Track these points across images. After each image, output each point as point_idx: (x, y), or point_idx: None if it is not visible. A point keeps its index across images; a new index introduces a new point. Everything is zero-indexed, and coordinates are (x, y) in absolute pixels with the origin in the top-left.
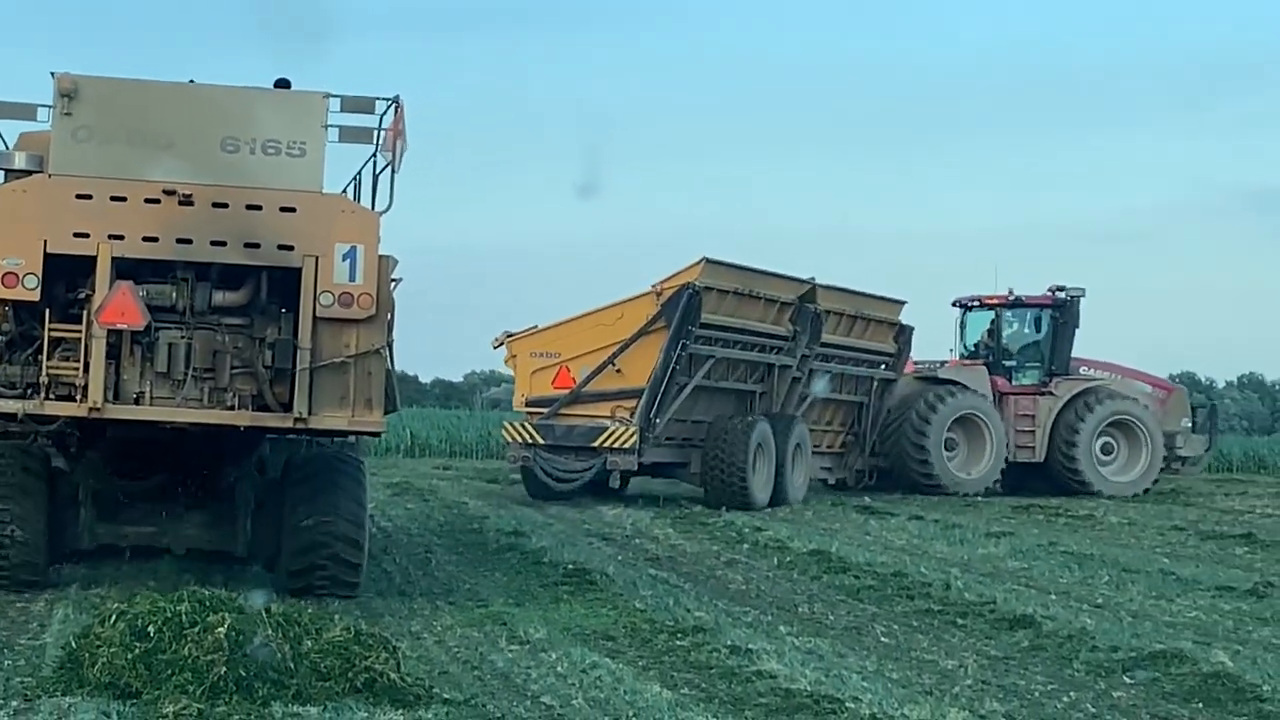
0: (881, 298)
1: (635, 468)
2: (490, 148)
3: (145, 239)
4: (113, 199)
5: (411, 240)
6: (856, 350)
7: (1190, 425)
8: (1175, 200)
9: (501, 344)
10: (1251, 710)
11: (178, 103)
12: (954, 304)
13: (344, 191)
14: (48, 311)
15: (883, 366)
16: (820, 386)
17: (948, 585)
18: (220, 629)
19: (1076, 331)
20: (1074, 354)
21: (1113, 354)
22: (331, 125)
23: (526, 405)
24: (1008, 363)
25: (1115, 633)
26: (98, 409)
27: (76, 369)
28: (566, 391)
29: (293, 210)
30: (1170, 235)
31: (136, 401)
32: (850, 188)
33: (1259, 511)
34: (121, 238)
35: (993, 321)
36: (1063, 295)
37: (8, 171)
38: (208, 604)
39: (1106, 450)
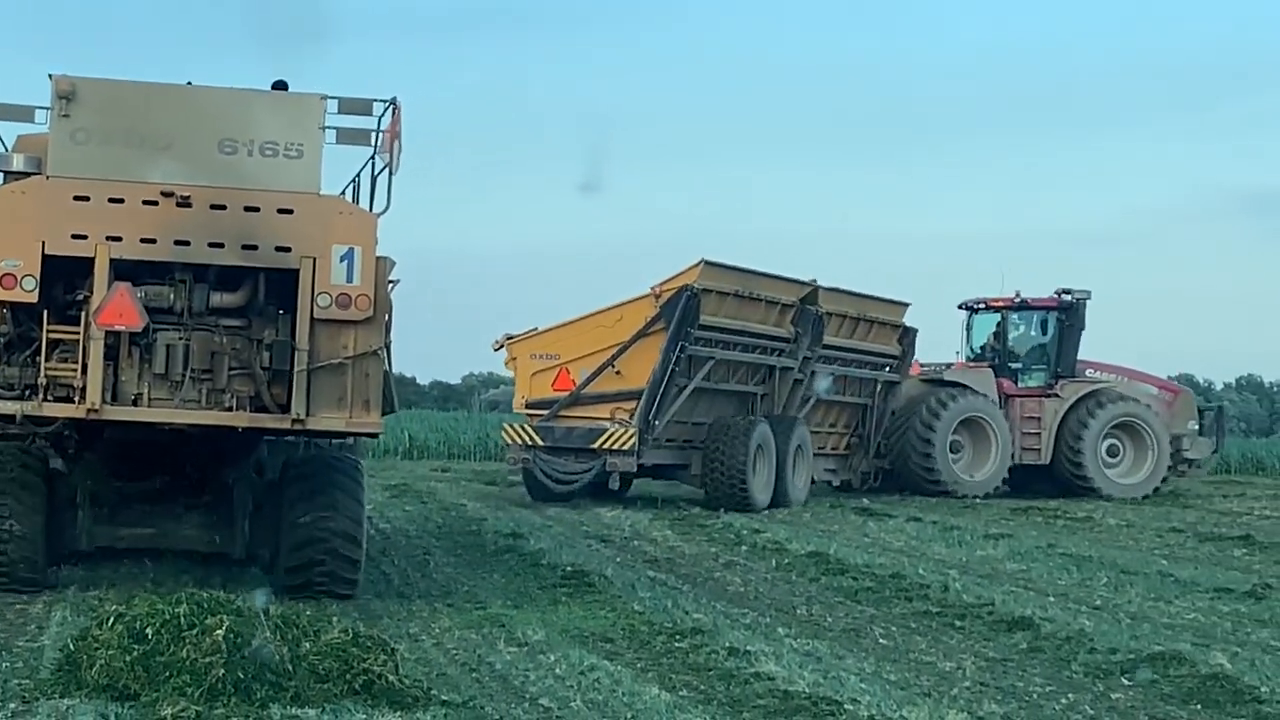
0: (885, 300)
1: (635, 469)
2: (490, 148)
3: (143, 240)
4: (111, 201)
5: (410, 241)
6: (860, 352)
7: (1197, 427)
8: (1175, 202)
9: (502, 346)
10: (1250, 712)
11: (175, 104)
12: (960, 306)
13: (342, 193)
14: (46, 313)
15: (887, 368)
16: (822, 388)
17: (946, 587)
18: (218, 631)
19: (1082, 334)
20: (1079, 356)
21: (1112, 355)
22: (329, 127)
23: (526, 407)
24: (1014, 365)
25: (1114, 634)
26: (96, 410)
27: (75, 370)
28: (566, 393)
29: (290, 212)
30: (1170, 237)
31: (134, 403)
32: (851, 188)
33: (1257, 513)
34: (119, 239)
35: (999, 324)
36: (1069, 298)
37: (6, 173)
38: (206, 606)
39: (1112, 452)
